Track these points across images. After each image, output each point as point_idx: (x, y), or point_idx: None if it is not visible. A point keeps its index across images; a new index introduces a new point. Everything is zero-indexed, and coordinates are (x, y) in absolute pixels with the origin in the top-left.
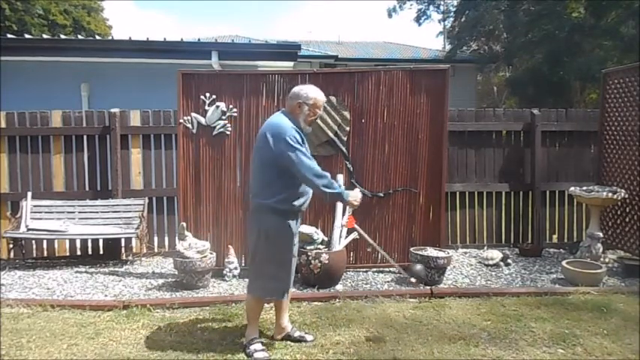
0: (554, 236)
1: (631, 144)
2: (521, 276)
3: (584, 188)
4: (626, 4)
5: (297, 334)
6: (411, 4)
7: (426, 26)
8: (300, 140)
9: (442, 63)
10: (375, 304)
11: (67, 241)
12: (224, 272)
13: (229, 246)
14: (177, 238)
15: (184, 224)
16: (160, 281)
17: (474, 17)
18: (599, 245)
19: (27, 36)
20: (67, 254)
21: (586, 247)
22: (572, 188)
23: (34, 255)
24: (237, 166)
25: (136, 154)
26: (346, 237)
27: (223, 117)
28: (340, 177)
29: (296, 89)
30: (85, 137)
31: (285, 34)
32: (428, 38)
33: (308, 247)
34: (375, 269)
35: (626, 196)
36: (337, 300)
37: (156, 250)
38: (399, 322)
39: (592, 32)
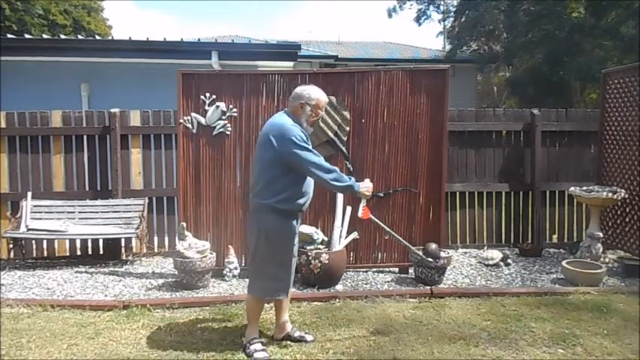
0: (554, 236)
1: (631, 144)
2: (521, 276)
3: (584, 188)
4: (626, 4)
5: (297, 334)
6: (411, 4)
7: (426, 26)
8: (305, 139)
9: (442, 63)
10: (375, 304)
11: (67, 241)
12: (224, 272)
13: (229, 246)
14: (177, 238)
15: (184, 224)
16: (160, 281)
17: (474, 17)
18: (599, 245)
19: (27, 36)
20: (67, 254)
21: (586, 247)
22: (572, 188)
23: (34, 255)
24: (237, 166)
25: (136, 154)
26: (346, 237)
27: (223, 117)
28: None
29: (298, 90)
30: (85, 137)
31: (285, 34)
32: (428, 38)
33: (308, 247)
34: (375, 269)
35: (626, 196)
36: (337, 300)
37: (156, 250)
38: (399, 322)
39: (592, 32)
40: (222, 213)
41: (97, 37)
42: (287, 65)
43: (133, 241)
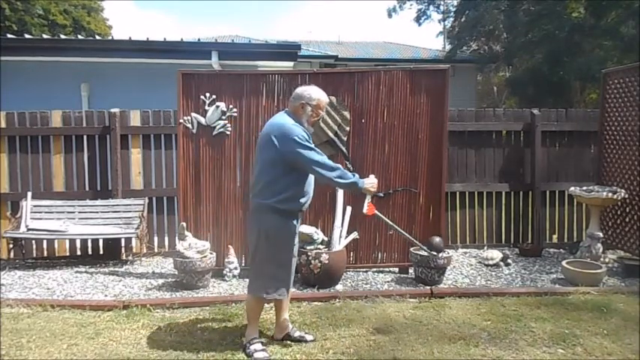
0: (554, 236)
1: (631, 144)
2: (521, 276)
3: (584, 188)
4: (626, 4)
5: (297, 334)
6: (411, 4)
7: (426, 26)
8: (308, 138)
9: (442, 63)
10: (375, 304)
11: (67, 241)
12: (224, 272)
13: (229, 246)
14: (177, 238)
15: (184, 224)
16: (160, 281)
17: (474, 17)
18: (599, 245)
19: (27, 36)
20: (67, 254)
21: (586, 247)
22: (572, 188)
23: (34, 255)
24: (237, 166)
25: (136, 154)
26: (346, 237)
27: (223, 117)
28: None
29: (299, 90)
30: (85, 137)
31: (285, 34)
32: (428, 38)
33: (308, 247)
34: (375, 269)
35: (626, 196)
36: (337, 300)
37: (156, 250)
38: (399, 322)
39: (592, 32)
40: (222, 213)
41: (97, 37)
42: (287, 65)
43: (133, 241)
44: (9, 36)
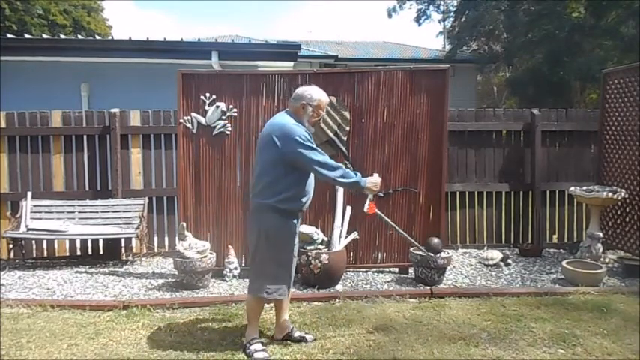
0: (554, 236)
1: (631, 144)
2: (521, 276)
3: (584, 188)
4: (626, 4)
5: (297, 334)
6: (411, 4)
7: (426, 26)
8: (309, 138)
9: (442, 63)
10: (375, 304)
11: (67, 241)
12: (224, 272)
13: (229, 246)
14: (177, 238)
15: (184, 224)
16: (160, 281)
17: (474, 17)
18: (599, 245)
19: (27, 36)
20: (67, 254)
21: (586, 247)
22: (572, 188)
23: (34, 255)
24: (237, 166)
25: (136, 154)
26: (346, 237)
27: (223, 117)
28: None
29: (300, 90)
30: (85, 137)
31: (285, 34)
32: (428, 38)
33: (308, 247)
34: (375, 269)
35: (626, 196)
36: (337, 300)
37: (156, 250)
38: (399, 322)
39: (592, 32)
40: (222, 213)
41: (97, 37)
42: (287, 65)
43: (133, 241)
44: (9, 36)
